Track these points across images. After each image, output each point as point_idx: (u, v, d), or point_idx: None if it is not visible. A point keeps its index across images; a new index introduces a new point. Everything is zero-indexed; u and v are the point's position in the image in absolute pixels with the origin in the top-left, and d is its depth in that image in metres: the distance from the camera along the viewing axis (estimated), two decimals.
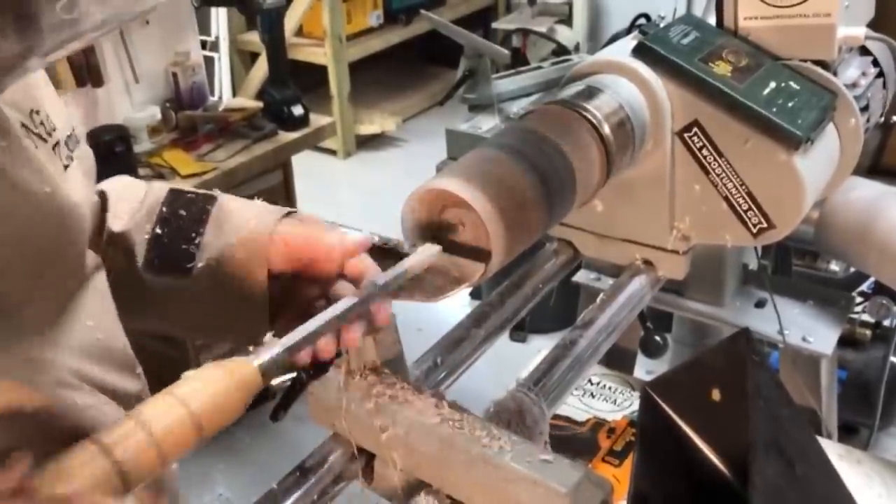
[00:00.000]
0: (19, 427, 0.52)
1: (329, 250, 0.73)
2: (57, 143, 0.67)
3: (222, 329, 0.80)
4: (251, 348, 0.60)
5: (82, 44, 0.52)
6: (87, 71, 2.32)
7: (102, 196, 0.81)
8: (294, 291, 0.78)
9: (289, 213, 0.80)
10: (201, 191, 0.82)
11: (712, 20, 1.05)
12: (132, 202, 0.81)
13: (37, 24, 0.48)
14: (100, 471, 0.52)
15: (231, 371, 0.57)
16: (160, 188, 0.82)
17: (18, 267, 0.61)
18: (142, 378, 0.79)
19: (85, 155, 0.73)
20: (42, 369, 0.64)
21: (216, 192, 0.82)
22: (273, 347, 0.60)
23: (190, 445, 0.55)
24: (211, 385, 0.56)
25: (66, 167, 0.67)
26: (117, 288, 0.77)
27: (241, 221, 0.78)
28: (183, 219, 0.78)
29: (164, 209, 0.79)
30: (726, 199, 0.97)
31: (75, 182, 0.68)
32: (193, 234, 0.77)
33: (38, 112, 0.66)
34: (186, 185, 0.84)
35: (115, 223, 0.79)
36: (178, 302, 0.80)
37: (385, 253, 0.74)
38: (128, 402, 0.69)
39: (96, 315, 0.72)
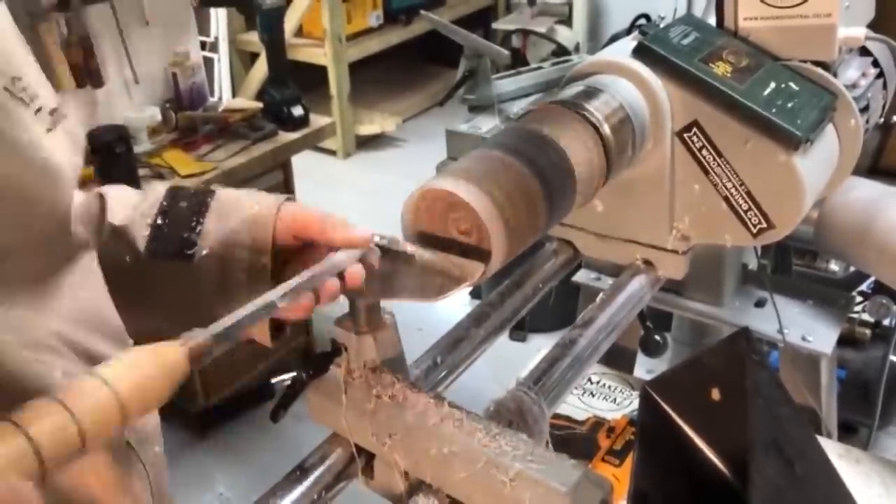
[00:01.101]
0: None
1: (334, 227, 0.74)
2: (39, 109, 0.69)
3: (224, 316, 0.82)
4: (181, 334, 0.58)
5: None
6: (86, 72, 2.32)
7: (101, 198, 0.84)
8: (293, 260, 0.80)
9: (288, 199, 0.82)
10: (201, 186, 0.85)
11: (712, 21, 1.05)
12: (130, 199, 0.84)
13: None
14: (14, 450, 0.49)
15: (158, 355, 0.56)
16: (161, 186, 0.85)
17: (1, 212, 0.63)
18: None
19: (73, 130, 0.75)
20: (23, 327, 0.66)
21: (215, 187, 0.85)
22: (202, 334, 0.58)
23: (113, 427, 0.53)
24: (136, 368, 0.55)
25: (48, 130, 0.70)
26: (121, 280, 0.79)
27: (243, 207, 0.81)
28: (183, 210, 0.81)
29: (165, 203, 0.82)
30: (726, 199, 0.97)
31: (58, 144, 0.71)
32: (193, 224, 0.80)
33: (20, 79, 0.68)
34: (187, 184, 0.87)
35: (115, 217, 0.82)
36: (182, 289, 0.82)
37: (384, 252, 0.74)
38: None
39: (88, 288, 0.75)
